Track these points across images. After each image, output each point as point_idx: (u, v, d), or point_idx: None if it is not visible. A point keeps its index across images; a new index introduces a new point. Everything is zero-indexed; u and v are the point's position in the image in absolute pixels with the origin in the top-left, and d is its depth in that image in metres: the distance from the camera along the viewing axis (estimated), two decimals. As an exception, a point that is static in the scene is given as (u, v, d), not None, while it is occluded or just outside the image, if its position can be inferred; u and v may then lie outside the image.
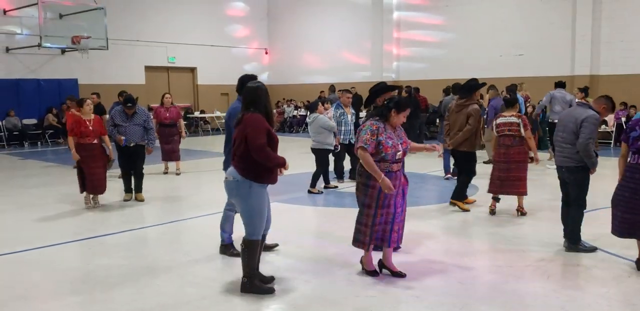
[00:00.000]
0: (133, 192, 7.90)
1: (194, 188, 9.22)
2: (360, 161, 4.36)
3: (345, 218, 6.55)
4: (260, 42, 23.21)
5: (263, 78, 23.11)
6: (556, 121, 10.56)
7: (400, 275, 4.58)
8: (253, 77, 4.94)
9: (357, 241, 4.58)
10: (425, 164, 10.96)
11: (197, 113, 20.80)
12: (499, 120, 6.72)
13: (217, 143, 17.24)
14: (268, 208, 4.32)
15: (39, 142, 16.66)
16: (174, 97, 19.94)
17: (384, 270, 4.67)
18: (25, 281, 4.67)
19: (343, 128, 8.90)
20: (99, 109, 10.49)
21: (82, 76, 17.69)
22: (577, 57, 15.31)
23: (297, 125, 20.66)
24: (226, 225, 5.25)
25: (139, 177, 7.89)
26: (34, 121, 17.03)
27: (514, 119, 6.62)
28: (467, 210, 6.94)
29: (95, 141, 7.30)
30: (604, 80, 14.62)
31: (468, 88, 7.03)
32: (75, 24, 15.84)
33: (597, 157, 5.15)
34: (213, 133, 20.53)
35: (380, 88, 5.42)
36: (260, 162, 4.05)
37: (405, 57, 19.12)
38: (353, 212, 4.84)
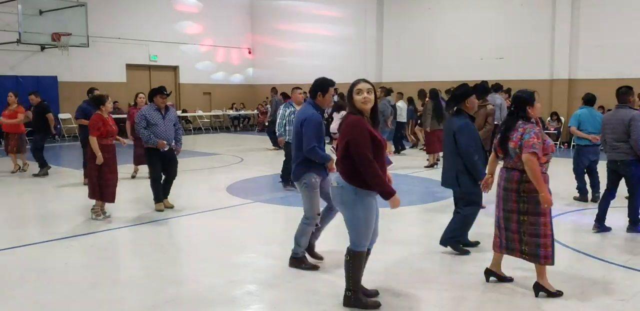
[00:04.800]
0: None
1: (175, 189, 9.14)
2: (525, 167, 3.98)
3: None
4: (243, 41, 23.12)
5: (245, 77, 23.07)
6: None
7: (509, 279, 4.44)
8: (330, 81, 4.67)
9: (547, 258, 4.10)
10: (410, 164, 11.06)
11: (179, 113, 20.65)
12: None
13: (200, 142, 17.16)
14: (376, 219, 3.92)
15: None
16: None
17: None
18: (2, 281, 4.61)
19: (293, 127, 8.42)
20: (40, 108, 10.05)
21: (61, 73, 17.46)
22: (555, 61, 15.56)
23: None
24: (302, 240, 4.79)
25: (171, 183, 7.34)
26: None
27: None
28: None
29: (113, 142, 6.83)
30: (582, 84, 14.86)
31: (484, 90, 7.15)
32: (55, 21, 15.60)
33: None
34: (195, 132, 20.40)
35: (465, 91, 5.15)
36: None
37: (388, 58, 19.22)
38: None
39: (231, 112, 21.88)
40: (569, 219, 6.77)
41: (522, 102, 4.13)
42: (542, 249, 4.08)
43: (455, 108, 5.22)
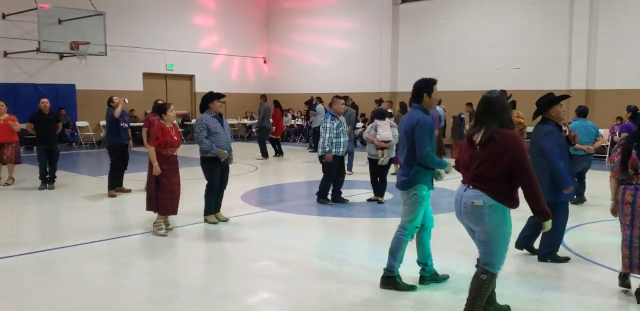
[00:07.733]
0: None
1: (190, 196, 9.15)
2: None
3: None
4: (258, 50, 23.30)
5: (260, 86, 23.18)
6: None
7: None
8: (433, 80, 4.42)
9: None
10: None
11: (193, 121, 20.77)
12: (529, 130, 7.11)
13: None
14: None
15: (34, 147, 16.57)
16: (172, 104, 20.11)
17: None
18: (19, 286, 4.64)
19: (342, 139, 7.97)
20: (55, 116, 9.69)
21: (80, 82, 17.68)
22: (573, 72, 15.44)
23: (294, 135, 20.66)
24: (398, 254, 4.46)
25: (223, 194, 7.08)
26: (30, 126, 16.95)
27: None
28: None
29: (176, 153, 6.49)
30: (600, 94, 14.72)
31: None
32: (74, 30, 15.83)
33: None
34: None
35: (550, 100, 5.19)
36: (516, 187, 3.52)
37: (403, 68, 19.22)
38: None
39: (246, 121, 21.98)
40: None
41: None
42: None
43: (540, 117, 5.26)
